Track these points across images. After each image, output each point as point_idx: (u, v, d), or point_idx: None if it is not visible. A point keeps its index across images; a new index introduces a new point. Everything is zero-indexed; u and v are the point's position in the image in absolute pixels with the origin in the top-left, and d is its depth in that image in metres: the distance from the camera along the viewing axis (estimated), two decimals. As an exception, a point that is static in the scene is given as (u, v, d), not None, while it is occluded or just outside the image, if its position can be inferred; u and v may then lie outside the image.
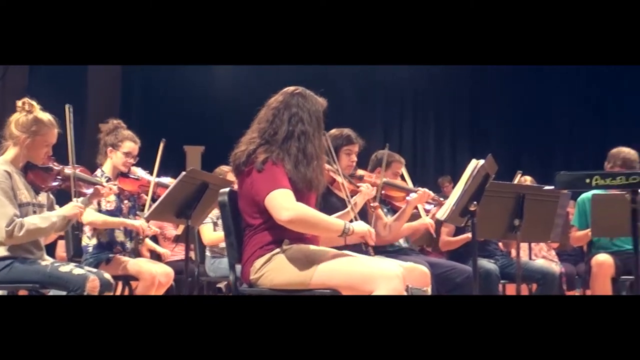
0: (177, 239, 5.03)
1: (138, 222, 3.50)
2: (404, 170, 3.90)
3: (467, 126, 9.30)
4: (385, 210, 3.71)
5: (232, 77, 8.53)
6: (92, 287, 2.68)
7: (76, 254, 3.58)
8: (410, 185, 3.92)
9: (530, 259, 4.87)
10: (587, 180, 2.02)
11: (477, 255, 3.98)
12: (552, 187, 2.93)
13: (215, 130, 8.19)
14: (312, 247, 2.42)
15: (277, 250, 2.38)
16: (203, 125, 8.53)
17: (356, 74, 8.76)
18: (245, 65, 8.62)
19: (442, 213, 2.69)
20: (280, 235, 2.38)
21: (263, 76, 8.26)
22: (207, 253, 4.49)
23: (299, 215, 2.29)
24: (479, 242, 3.94)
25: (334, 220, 2.43)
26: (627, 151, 3.92)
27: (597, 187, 2.01)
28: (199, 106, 8.55)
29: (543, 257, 5.10)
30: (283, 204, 2.28)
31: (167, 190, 3.07)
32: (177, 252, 5.11)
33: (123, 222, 3.52)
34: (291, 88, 2.56)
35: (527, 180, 5.20)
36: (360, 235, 2.41)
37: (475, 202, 2.72)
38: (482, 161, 2.71)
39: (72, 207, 2.80)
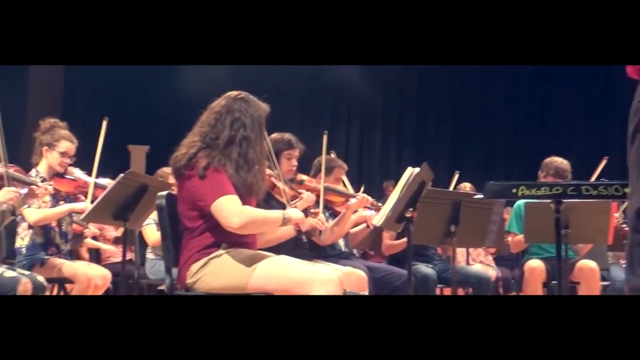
0: (117, 241, 4.95)
1: (83, 205, 3.41)
2: (344, 177, 3.95)
3: (413, 131, 9.48)
4: (327, 214, 3.76)
5: (179, 76, 8.45)
6: (24, 290, 2.62)
7: (9, 255, 3.49)
8: (350, 190, 3.98)
9: (467, 264, 5.01)
10: (514, 191, 2.11)
11: (416, 260, 4.12)
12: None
13: (161, 130, 8.08)
14: (249, 251, 2.44)
15: (215, 254, 2.39)
16: (148, 124, 8.41)
17: (302, 77, 8.83)
18: (191, 65, 8.58)
19: (378, 219, 2.75)
20: (218, 239, 2.40)
21: (209, 76, 8.21)
22: (148, 255, 4.44)
23: (247, 218, 2.33)
24: (419, 247, 4.05)
25: (274, 214, 2.49)
26: (559, 161, 4.09)
27: (523, 197, 2.10)
28: (144, 105, 8.43)
29: (480, 262, 5.25)
30: (232, 210, 2.31)
31: (105, 192, 3.03)
32: (118, 254, 5.03)
33: (71, 207, 3.44)
34: (234, 92, 2.57)
35: (467, 187, 5.34)
36: (295, 222, 2.49)
37: (411, 209, 2.79)
38: (417, 169, 2.78)
39: (5, 193, 2.74)
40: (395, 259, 4.11)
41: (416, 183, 2.80)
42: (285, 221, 2.45)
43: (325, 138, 3.54)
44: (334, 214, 3.76)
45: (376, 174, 8.99)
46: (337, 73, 8.95)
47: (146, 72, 8.19)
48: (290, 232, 2.76)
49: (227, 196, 2.32)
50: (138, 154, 8.68)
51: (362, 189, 5.93)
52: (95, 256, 5.09)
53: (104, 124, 3.44)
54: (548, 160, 4.13)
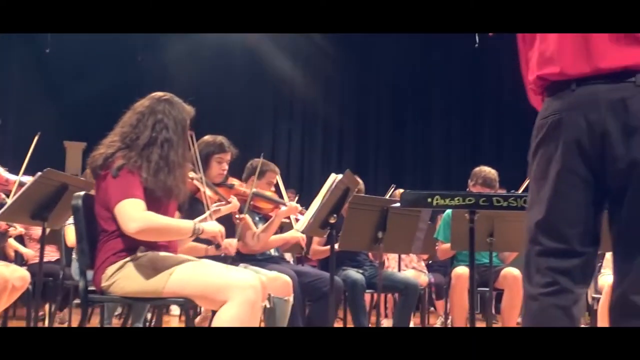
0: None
1: None
2: (279, 179, 3.94)
3: (354, 135, 9.57)
4: (257, 218, 3.74)
5: (117, 71, 8.28)
6: None
7: None
8: (284, 194, 3.97)
9: (399, 269, 5.07)
10: (429, 200, 2.15)
11: (347, 265, 4.15)
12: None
13: (98, 126, 7.89)
14: (167, 255, 2.40)
15: (131, 257, 2.34)
16: (85, 120, 8.21)
17: (247, 81, 8.82)
18: (131, 60, 8.40)
19: (301, 225, 2.76)
20: (136, 242, 2.35)
21: (147, 72, 8.07)
22: (74, 256, 4.32)
23: (146, 225, 2.26)
24: (350, 252, 4.08)
25: (184, 224, 2.42)
26: (487, 170, 4.19)
27: (438, 206, 2.14)
28: (82, 99, 8.22)
29: (413, 268, 5.32)
30: (131, 214, 2.25)
31: (21, 191, 2.94)
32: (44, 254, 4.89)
33: None
34: (159, 93, 2.54)
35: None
36: (211, 235, 2.42)
37: (334, 215, 2.80)
38: (340, 176, 2.80)
39: None
40: (327, 264, 4.12)
41: (339, 189, 2.82)
42: (196, 233, 2.37)
43: (260, 161, 3.55)
44: (264, 218, 3.74)
45: (317, 180, 9.05)
46: (280, 80, 8.98)
47: (83, 68, 8.00)
48: (200, 251, 2.69)
49: (129, 199, 2.26)
50: (74, 150, 8.48)
51: (296, 198, 5.94)
52: (20, 258, 4.94)
53: (35, 139, 3.33)
54: (477, 169, 4.24)
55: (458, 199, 2.14)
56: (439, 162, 9.45)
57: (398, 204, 2.35)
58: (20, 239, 4.99)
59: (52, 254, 5.09)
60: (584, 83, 1.55)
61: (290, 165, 9.11)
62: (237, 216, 3.09)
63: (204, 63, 8.67)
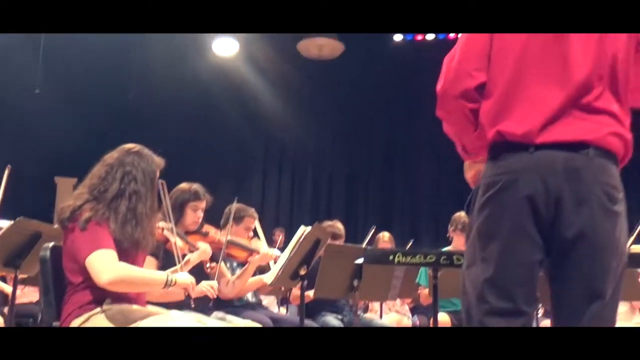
0: (24, 281, 4.78)
1: None
2: (257, 224, 3.94)
3: (343, 177, 9.61)
4: (235, 264, 3.74)
5: (108, 108, 8.35)
6: None
7: None
8: (262, 239, 3.97)
9: (381, 313, 5.04)
10: (391, 257, 2.17)
11: (326, 310, 4.14)
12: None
13: (89, 161, 7.93)
14: (133, 307, 2.40)
15: (96, 310, 2.34)
16: (76, 155, 8.27)
17: (237, 126, 8.90)
18: (122, 97, 8.48)
19: (270, 277, 2.76)
20: (101, 294, 2.35)
21: (140, 109, 8.13)
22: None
23: (118, 276, 2.27)
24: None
25: (156, 275, 2.44)
26: (466, 216, 4.20)
27: (400, 263, 2.15)
28: (73, 135, 8.29)
29: (396, 312, 5.29)
30: (102, 266, 2.26)
31: (-7, 240, 2.95)
32: (26, 294, 4.88)
33: None
34: (129, 145, 2.57)
35: (385, 236, 5.42)
36: (182, 287, 2.43)
37: (305, 266, 2.81)
38: (309, 228, 2.82)
39: None
40: (308, 308, 4.10)
41: (309, 241, 2.83)
42: (169, 283, 2.37)
43: (234, 207, 3.58)
44: (242, 263, 3.73)
45: (307, 220, 9.07)
46: (271, 122, 9.07)
47: (73, 105, 8.07)
48: (179, 295, 2.70)
49: (100, 251, 2.27)
50: (65, 186, 8.50)
51: (280, 236, 5.95)
52: (3, 297, 4.92)
53: (6, 172, 3.34)
54: (456, 215, 4.26)
55: (419, 257, 2.16)
56: (427, 207, 9.43)
57: (361, 259, 2.36)
58: (2, 279, 4.97)
59: (34, 294, 5.07)
60: (542, 148, 1.58)
61: (280, 206, 9.13)
62: (207, 265, 3.09)
63: (194, 103, 8.76)
